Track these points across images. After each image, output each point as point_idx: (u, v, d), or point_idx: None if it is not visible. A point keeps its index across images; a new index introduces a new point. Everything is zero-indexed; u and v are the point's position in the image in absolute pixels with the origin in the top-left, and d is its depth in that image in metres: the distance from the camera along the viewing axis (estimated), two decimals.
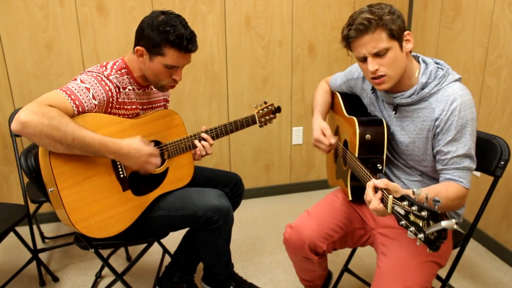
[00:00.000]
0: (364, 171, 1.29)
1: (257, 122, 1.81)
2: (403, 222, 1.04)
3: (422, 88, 1.34)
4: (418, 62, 1.38)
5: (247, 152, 2.87)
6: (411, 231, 1.00)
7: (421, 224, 0.98)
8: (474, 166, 1.33)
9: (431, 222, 0.95)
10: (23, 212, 1.90)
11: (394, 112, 1.42)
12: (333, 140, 1.53)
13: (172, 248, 2.05)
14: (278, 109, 1.87)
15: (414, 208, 1.00)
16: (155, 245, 1.97)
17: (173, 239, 1.94)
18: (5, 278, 2.05)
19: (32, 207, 2.19)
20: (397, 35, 1.27)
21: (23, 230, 2.06)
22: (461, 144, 1.29)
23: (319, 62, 2.81)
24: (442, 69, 1.35)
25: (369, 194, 1.15)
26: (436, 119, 1.31)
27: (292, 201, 2.94)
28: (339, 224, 1.51)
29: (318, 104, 1.69)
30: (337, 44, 2.80)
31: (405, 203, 1.03)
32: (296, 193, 3.05)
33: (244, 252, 2.31)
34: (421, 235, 0.97)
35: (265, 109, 1.83)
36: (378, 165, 1.38)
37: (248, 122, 1.77)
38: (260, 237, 2.46)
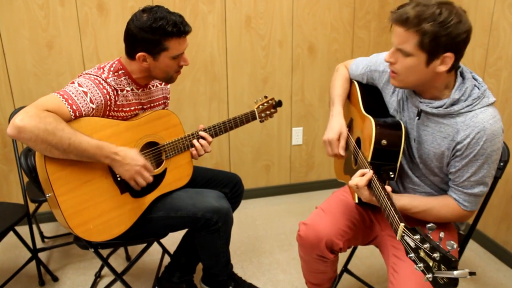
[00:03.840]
0: (375, 181, 1.23)
1: (257, 117, 1.79)
2: (411, 255, 0.98)
3: (452, 104, 1.24)
4: (456, 74, 1.27)
5: (247, 153, 2.87)
6: (419, 267, 0.95)
7: (431, 264, 0.92)
8: (485, 193, 1.29)
9: (442, 266, 0.89)
10: (23, 211, 1.90)
11: (417, 117, 1.33)
12: (342, 152, 1.46)
13: (171, 248, 2.05)
14: (279, 103, 1.86)
15: (427, 246, 0.94)
16: (155, 245, 1.97)
17: (173, 239, 1.95)
18: (5, 278, 2.05)
19: (31, 206, 2.19)
20: (428, 49, 1.16)
21: (23, 230, 2.06)
22: (476, 171, 1.24)
23: (319, 63, 2.81)
24: (479, 89, 1.24)
25: (358, 176, 1.21)
26: (458, 143, 1.23)
27: (292, 201, 2.93)
28: (353, 221, 1.47)
29: (339, 95, 1.56)
30: (338, 44, 2.80)
31: (417, 237, 0.97)
32: (296, 194, 3.05)
33: (244, 253, 2.31)
34: (429, 275, 0.92)
35: (265, 104, 1.82)
36: (391, 172, 1.30)
37: (248, 118, 1.75)
38: (259, 238, 2.46)
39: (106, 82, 1.45)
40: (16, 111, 1.86)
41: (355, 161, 1.49)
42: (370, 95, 1.52)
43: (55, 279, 2.08)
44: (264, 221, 2.65)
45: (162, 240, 1.95)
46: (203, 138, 1.65)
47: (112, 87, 1.47)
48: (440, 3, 1.15)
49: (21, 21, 2.29)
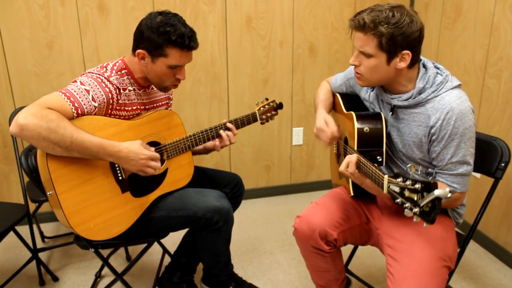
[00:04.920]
0: (361, 160, 1.30)
1: (258, 119, 1.80)
2: (398, 200, 1.05)
3: (419, 93, 1.34)
4: (419, 66, 1.37)
5: (247, 153, 2.87)
6: (406, 207, 1.01)
7: (415, 198, 0.99)
8: (470, 171, 1.34)
9: (425, 193, 0.96)
10: (23, 211, 1.90)
11: (391, 113, 1.43)
12: (335, 129, 1.52)
13: (172, 248, 2.05)
14: (280, 106, 1.87)
15: (408, 182, 1.01)
16: (155, 245, 1.97)
17: (173, 239, 1.95)
18: (5, 278, 2.05)
19: (32, 206, 2.19)
20: (386, 49, 1.26)
21: (23, 230, 2.06)
22: (456, 151, 1.30)
23: (320, 63, 2.81)
24: (441, 75, 1.35)
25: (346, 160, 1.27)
26: (431, 127, 1.32)
27: (292, 201, 2.93)
28: (348, 214, 1.50)
29: (322, 101, 1.69)
30: (338, 45, 2.80)
31: (399, 179, 1.05)
32: (296, 194, 3.05)
33: (244, 253, 2.31)
34: (416, 209, 0.98)
35: (266, 106, 1.82)
36: (378, 157, 1.38)
37: (249, 120, 1.76)
38: (260, 238, 2.46)
39: (108, 80, 1.46)
40: (16, 111, 1.86)
41: None
42: (351, 100, 1.64)
43: (55, 279, 2.08)
44: (264, 221, 2.65)
45: (162, 240, 1.95)
46: (229, 129, 1.68)
47: (115, 86, 1.47)
48: (392, 6, 1.26)
49: (22, 21, 2.29)
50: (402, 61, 1.29)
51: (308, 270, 1.67)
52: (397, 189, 1.06)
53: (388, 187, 1.10)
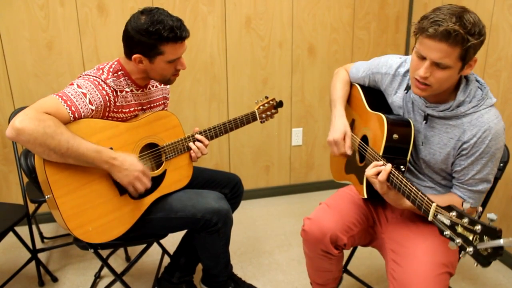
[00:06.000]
0: (394, 172, 1.25)
1: (258, 118, 1.79)
2: (447, 233, 1.01)
3: (458, 106, 1.28)
4: (460, 76, 1.30)
5: (247, 153, 2.87)
6: (457, 244, 0.98)
7: (471, 238, 0.95)
8: (488, 189, 1.33)
9: (485, 237, 0.92)
10: (23, 212, 1.90)
11: (424, 121, 1.37)
12: (349, 151, 1.49)
13: (171, 249, 2.05)
14: (280, 104, 1.85)
15: (465, 220, 0.97)
16: (155, 245, 1.97)
17: (173, 240, 1.95)
18: (4, 278, 2.05)
19: (31, 207, 2.19)
20: (466, 59, 1.19)
21: (22, 230, 2.06)
22: (481, 169, 1.28)
23: (319, 64, 2.81)
24: (482, 90, 1.29)
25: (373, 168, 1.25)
26: (464, 142, 1.28)
27: (292, 202, 2.93)
28: (358, 218, 1.48)
29: (340, 97, 1.60)
30: (337, 45, 2.80)
31: (453, 213, 1.00)
32: (296, 194, 3.05)
33: (243, 253, 2.31)
34: (470, 249, 0.95)
35: (266, 105, 1.81)
36: (402, 166, 1.33)
37: (249, 119, 1.75)
38: (259, 238, 2.46)
39: (105, 83, 1.45)
40: (16, 111, 1.86)
41: (361, 159, 1.51)
42: (373, 96, 1.55)
43: (54, 279, 2.08)
44: (264, 222, 2.65)
45: (161, 241, 1.95)
46: (200, 141, 1.65)
47: (112, 88, 1.47)
48: (463, 9, 1.16)
49: (21, 22, 2.29)
50: (468, 68, 1.22)
51: (308, 268, 1.67)
52: (447, 222, 1.02)
53: (435, 215, 1.06)
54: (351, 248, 2.00)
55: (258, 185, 2.97)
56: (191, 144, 1.63)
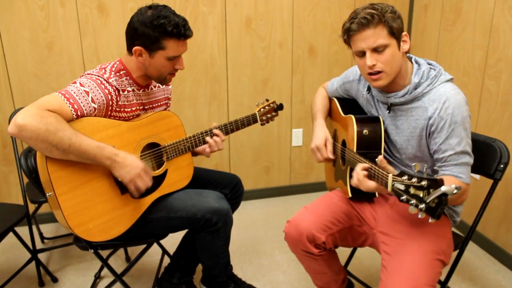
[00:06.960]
0: (364, 161, 1.31)
1: (258, 120, 1.80)
2: (403, 197, 1.06)
3: (415, 88, 1.37)
4: (411, 63, 1.42)
5: (247, 154, 2.87)
6: (412, 204, 1.03)
7: (421, 195, 1.01)
8: (471, 161, 1.36)
9: (431, 190, 0.98)
10: (23, 212, 1.90)
11: (388, 111, 1.46)
12: (331, 155, 1.57)
13: (171, 249, 2.05)
14: (281, 107, 1.87)
15: (414, 180, 1.03)
16: (155, 246, 1.97)
17: (173, 240, 1.95)
18: (4, 279, 2.05)
19: (31, 207, 2.19)
20: (396, 34, 1.31)
21: (23, 231, 2.06)
22: (457, 141, 1.32)
23: (319, 64, 2.81)
24: (434, 70, 1.39)
25: (358, 172, 1.27)
26: (430, 118, 1.35)
27: (292, 202, 2.94)
28: (337, 218, 1.51)
29: (320, 110, 1.73)
30: (338, 46, 2.80)
31: (405, 177, 1.07)
32: (296, 195, 3.05)
33: (243, 254, 2.31)
34: (422, 205, 1.00)
35: (266, 107, 1.82)
36: (376, 159, 1.39)
37: (249, 121, 1.76)
38: (259, 239, 2.46)
39: (107, 82, 1.46)
40: (16, 111, 1.86)
41: (343, 162, 1.58)
42: (348, 104, 1.67)
43: (54, 280, 2.08)
44: (264, 222, 2.66)
45: (162, 241, 1.95)
46: (216, 135, 1.67)
47: (114, 87, 1.47)
48: (376, 2, 1.33)
49: (22, 22, 2.29)
50: (405, 43, 1.34)
51: (308, 273, 1.68)
52: (402, 187, 1.07)
53: (393, 185, 1.11)
54: (351, 250, 2.01)
55: (258, 185, 2.97)
56: (208, 138, 1.66)
